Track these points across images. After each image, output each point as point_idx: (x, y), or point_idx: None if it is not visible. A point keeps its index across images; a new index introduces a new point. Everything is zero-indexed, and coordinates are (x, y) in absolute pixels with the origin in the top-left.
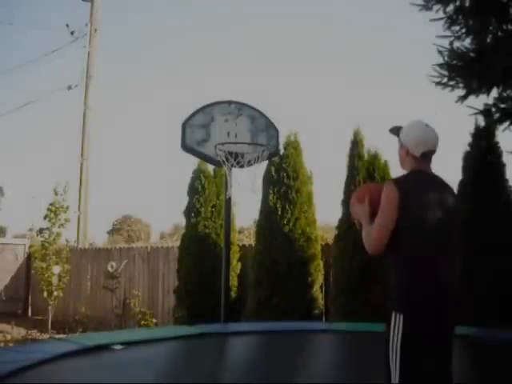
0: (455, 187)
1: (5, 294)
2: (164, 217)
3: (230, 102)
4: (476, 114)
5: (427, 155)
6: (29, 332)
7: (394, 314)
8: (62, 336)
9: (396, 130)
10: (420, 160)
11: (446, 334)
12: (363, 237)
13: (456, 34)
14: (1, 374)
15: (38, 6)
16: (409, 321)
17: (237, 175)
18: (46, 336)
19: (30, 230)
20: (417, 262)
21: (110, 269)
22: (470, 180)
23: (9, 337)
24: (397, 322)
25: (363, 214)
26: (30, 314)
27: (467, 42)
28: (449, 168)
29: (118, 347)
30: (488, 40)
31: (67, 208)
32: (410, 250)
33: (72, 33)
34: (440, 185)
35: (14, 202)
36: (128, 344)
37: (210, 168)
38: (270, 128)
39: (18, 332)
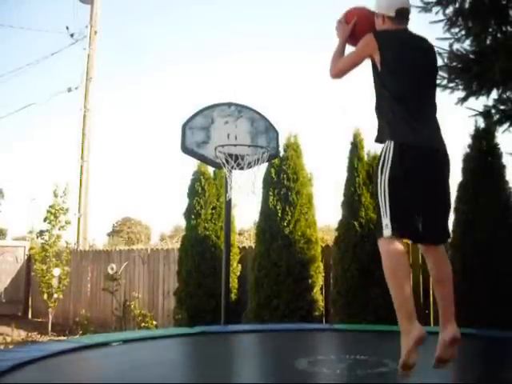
0: (454, 189)
1: (5, 296)
2: (164, 219)
3: (229, 104)
4: (476, 115)
5: (402, 13)
6: (29, 334)
7: (385, 144)
8: (62, 338)
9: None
10: (396, 19)
11: (434, 175)
12: (332, 55)
13: (456, 36)
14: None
15: (38, 9)
16: (398, 150)
17: (237, 177)
18: (46, 338)
19: (30, 232)
20: (398, 101)
21: (110, 271)
22: (469, 182)
23: (9, 339)
24: (387, 150)
25: (342, 35)
26: (30, 316)
27: (467, 43)
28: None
29: (117, 343)
30: (488, 42)
31: (67, 210)
32: (386, 85)
33: (72, 35)
34: (416, 38)
35: (14, 204)
36: (127, 341)
37: (210, 170)
38: (270, 130)
39: (18, 334)
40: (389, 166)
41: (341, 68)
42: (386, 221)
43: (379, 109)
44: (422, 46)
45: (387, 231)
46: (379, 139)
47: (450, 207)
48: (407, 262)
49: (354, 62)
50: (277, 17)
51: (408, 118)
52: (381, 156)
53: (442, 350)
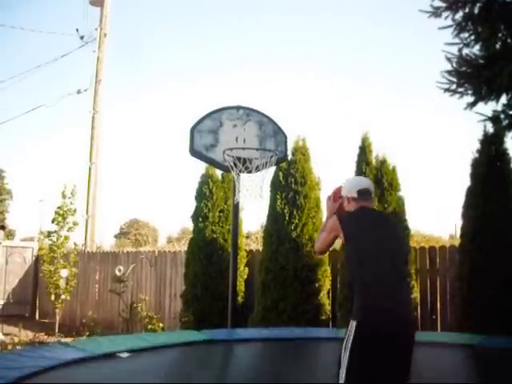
0: (463, 194)
1: (13, 296)
2: (171, 221)
3: (238, 108)
4: (485, 120)
5: (363, 193)
6: (36, 335)
7: (350, 323)
8: (68, 339)
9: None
10: (359, 199)
11: (394, 342)
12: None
13: (465, 41)
14: (9, 380)
15: (49, 11)
16: (359, 326)
17: (245, 180)
18: (53, 339)
19: (40, 233)
20: (366, 281)
21: (117, 273)
22: (478, 187)
23: (16, 339)
24: (350, 327)
25: (330, 211)
26: (37, 316)
27: (476, 48)
28: (457, 175)
29: (125, 355)
30: (497, 46)
31: (75, 211)
32: (357, 265)
33: (82, 37)
34: (380, 215)
35: (23, 204)
36: (135, 351)
37: (218, 173)
38: (278, 133)
39: (26, 335)
40: (351, 339)
41: (320, 248)
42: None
43: (350, 285)
44: (384, 219)
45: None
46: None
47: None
48: None
49: (328, 241)
50: (284, 21)
51: (373, 295)
52: (348, 328)
53: None
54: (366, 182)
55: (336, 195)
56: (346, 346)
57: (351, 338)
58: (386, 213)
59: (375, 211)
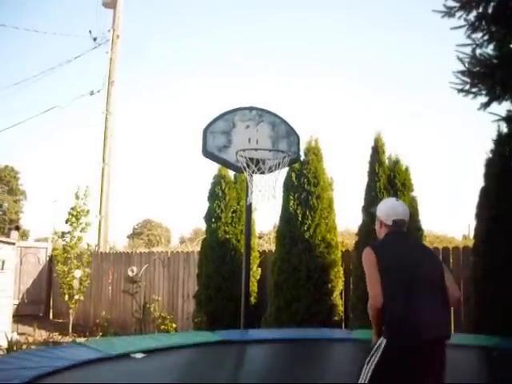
0: (476, 195)
1: (27, 296)
2: (184, 221)
3: (251, 109)
4: (498, 120)
5: (397, 223)
6: (50, 335)
7: (380, 339)
8: (82, 339)
9: (374, 210)
10: (392, 227)
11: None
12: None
13: (478, 41)
14: (24, 380)
15: (62, 14)
16: (389, 345)
17: (257, 181)
18: (67, 339)
19: (54, 233)
20: (395, 300)
21: (130, 273)
22: (491, 187)
23: (31, 339)
24: (380, 343)
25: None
26: (51, 316)
27: (489, 48)
28: (470, 175)
29: (140, 356)
30: (511, 46)
31: (88, 212)
32: (390, 290)
33: (95, 39)
34: (411, 239)
35: (38, 205)
36: (149, 352)
37: (231, 173)
38: (291, 134)
39: (40, 334)
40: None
41: (374, 297)
42: None
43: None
44: (417, 245)
45: None
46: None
47: None
48: None
49: (374, 280)
50: (298, 19)
51: (402, 316)
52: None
53: None
54: (403, 212)
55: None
56: (372, 360)
57: (379, 354)
58: (418, 239)
59: (408, 237)
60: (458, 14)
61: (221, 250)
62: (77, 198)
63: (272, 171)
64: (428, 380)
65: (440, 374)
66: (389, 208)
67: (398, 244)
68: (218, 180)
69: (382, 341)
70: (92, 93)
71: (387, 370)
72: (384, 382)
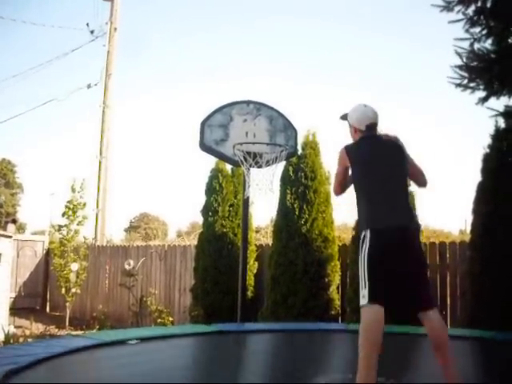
0: (473, 190)
1: (24, 289)
2: (181, 215)
3: (248, 102)
4: (496, 115)
5: (370, 127)
6: (47, 328)
7: (362, 233)
8: (79, 333)
9: (345, 116)
10: (366, 132)
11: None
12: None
13: (476, 36)
14: (21, 365)
15: (59, 6)
16: (374, 235)
17: (255, 175)
18: (63, 332)
19: (51, 226)
20: (370, 194)
21: (127, 266)
22: (489, 182)
23: (28, 332)
24: (365, 237)
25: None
26: (48, 309)
27: (488, 43)
28: (467, 170)
29: (135, 342)
30: (510, 41)
31: (84, 205)
32: (359, 186)
33: (92, 32)
34: (382, 139)
35: (35, 198)
36: (145, 339)
37: (228, 167)
38: (289, 128)
39: (37, 327)
40: (367, 247)
41: (335, 188)
42: (363, 292)
43: (357, 205)
44: (386, 145)
45: (363, 301)
46: (360, 228)
47: (426, 276)
48: (380, 330)
49: (339, 174)
50: (295, 15)
51: (377, 208)
52: (360, 240)
53: None
54: (373, 116)
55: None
56: (363, 256)
57: (367, 246)
58: (391, 140)
59: (380, 139)
60: (457, 8)
61: (218, 244)
62: (73, 190)
63: (269, 165)
64: (411, 265)
65: (420, 261)
66: (360, 114)
67: (370, 145)
68: (216, 174)
69: (366, 232)
70: (89, 86)
71: (375, 255)
72: (375, 266)
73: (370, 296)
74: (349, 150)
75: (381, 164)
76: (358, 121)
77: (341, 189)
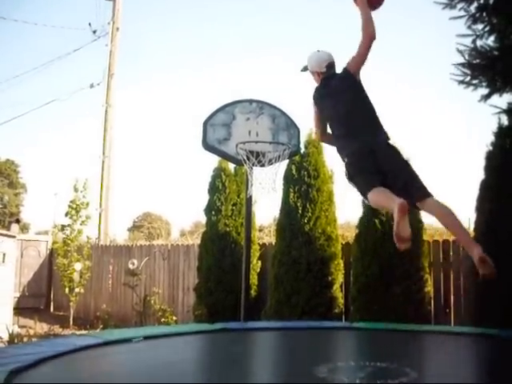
0: (476, 188)
1: (28, 289)
2: (184, 214)
3: (251, 101)
4: (499, 113)
5: (329, 66)
6: (51, 327)
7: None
8: (83, 332)
9: (306, 68)
10: (326, 72)
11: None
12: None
13: (478, 33)
14: (27, 363)
15: (61, 6)
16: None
17: (258, 174)
18: (67, 331)
19: (54, 226)
20: (330, 128)
21: (130, 266)
22: (492, 180)
23: (32, 332)
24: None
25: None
26: (52, 309)
27: (490, 40)
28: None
29: (138, 340)
30: None
31: (87, 205)
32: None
33: (94, 31)
34: (337, 76)
35: (38, 198)
36: (148, 337)
37: (231, 166)
38: (292, 127)
39: (41, 327)
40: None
41: (317, 133)
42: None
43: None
44: (342, 78)
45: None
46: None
47: (412, 171)
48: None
49: (314, 119)
50: (293, 11)
51: (343, 137)
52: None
53: (480, 268)
54: (329, 56)
55: None
56: (345, 173)
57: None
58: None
59: (337, 74)
60: (459, 5)
61: (221, 243)
62: (75, 190)
63: (272, 164)
64: (388, 164)
65: (398, 160)
66: (318, 58)
67: (326, 83)
68: (218, 173)
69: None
70: (92, 85)
71: (352, 168)
72: (355, 174)
73: (369, 186)
74: (313, 95)
75: (333, 98)
76: (317, 64)
77: (320, 133)
